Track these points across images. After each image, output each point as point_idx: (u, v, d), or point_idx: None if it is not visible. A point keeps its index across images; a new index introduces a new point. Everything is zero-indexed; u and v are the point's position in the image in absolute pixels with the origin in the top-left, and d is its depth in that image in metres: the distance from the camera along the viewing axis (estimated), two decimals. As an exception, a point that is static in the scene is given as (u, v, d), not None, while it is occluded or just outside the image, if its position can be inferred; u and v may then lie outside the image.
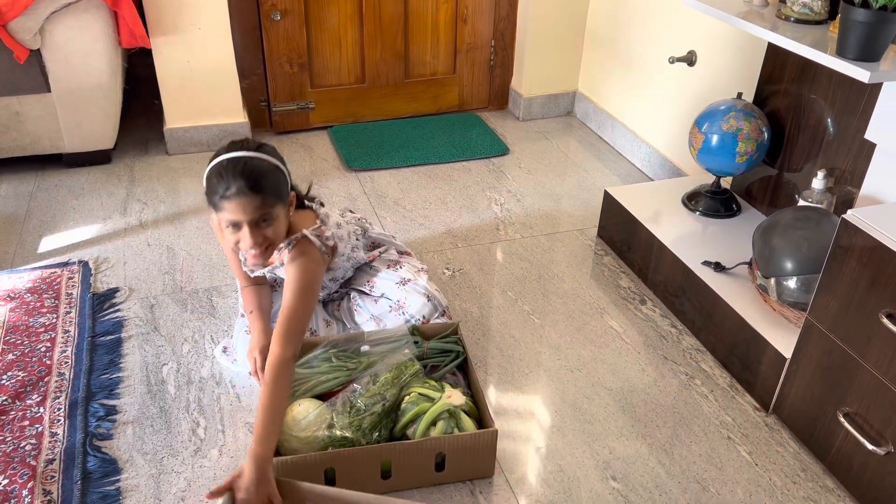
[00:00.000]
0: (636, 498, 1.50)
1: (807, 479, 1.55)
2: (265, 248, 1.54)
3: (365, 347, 1.72)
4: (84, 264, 2.18)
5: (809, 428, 1.60)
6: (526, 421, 1.68)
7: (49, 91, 2.50)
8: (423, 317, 1.79)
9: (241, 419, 1.67)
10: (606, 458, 1.59)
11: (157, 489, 1.50)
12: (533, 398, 1.74)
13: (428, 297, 1.81)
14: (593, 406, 1.73)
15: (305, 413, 1.51)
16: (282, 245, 1.59)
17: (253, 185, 1.47)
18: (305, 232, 1.63)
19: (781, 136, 2.07)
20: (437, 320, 1.81)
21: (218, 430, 1.64)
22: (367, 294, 1.86)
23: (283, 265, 1.63)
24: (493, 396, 1.75)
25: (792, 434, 1.66)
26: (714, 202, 2.19)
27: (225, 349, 1.84)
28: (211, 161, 1.53)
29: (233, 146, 1.54)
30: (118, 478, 1.52)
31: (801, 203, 1.87)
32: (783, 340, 1.68)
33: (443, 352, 1.69)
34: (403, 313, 1.79)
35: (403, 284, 1.83)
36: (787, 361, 1.63)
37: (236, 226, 1.50)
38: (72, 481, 1.50)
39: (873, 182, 1.76)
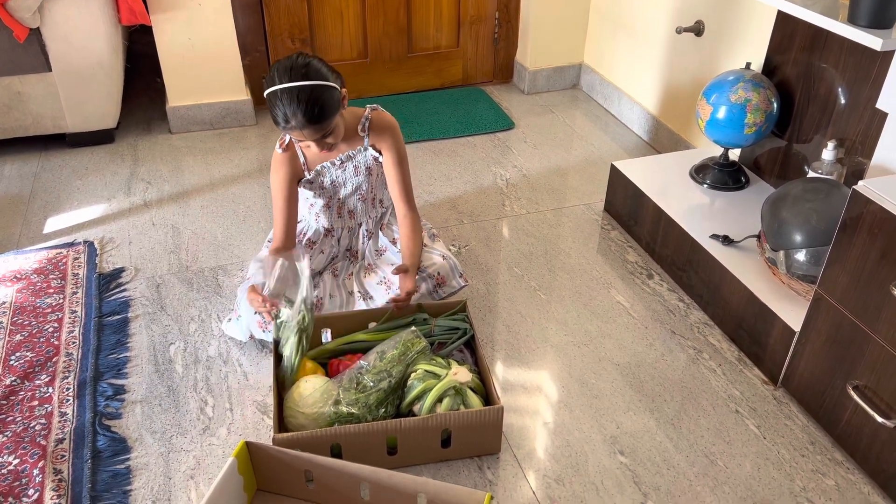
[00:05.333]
0: (644, 472, 1.50)
1: (815, 451, 1.55)
2: (331, 147, 1.69)
3: (372, 324, 1.71)
4: (89, 244, 2.18)
5: (818, 401, 1.59)
6: (533, 396, 1.68)
7: (50, 70, 2.48)
8: (438, 273, 1.79)
9: (249, 397, 1.67)
10: (614, 432, 1.59)
11: (166, 467, 1.51)
12: (540, 374, 1.74)
13: (443, 256, 1.82)
14: (600, 381, 1.72)
15: (312, 389, 1.51)
16: (358, 131, 1.79)
17: (310, 118, 1.58)
18: (370, 107, 1.81)
19: (791, 107, 2.04)
20: (454, 282, 1.81)
21: (226, 408, 1.65)
22: (380, 257, 1.90)
23: (366, 148, 1.81)
24: (500, 372, 1.74)
25: (800, 407, 1.65)
26: (722, 174, 2.17)
27: (230, 320, 1.84)
28: (268, 85, 1.60)
29: (284, 72, 1.58)
30: (128, 456, 1.53)
31: (811, 174, 1.84)
32: (792, 314, 1.66)
33: (450, 329, 1.69)
34: (420, 272, 1.78)
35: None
36: (796, 335, 1.62)
37: (302, 140, 1.66)
38: (82, 460, 1.51)
39: (885, 152, 1.73)
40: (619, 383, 1.71)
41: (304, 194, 1.85)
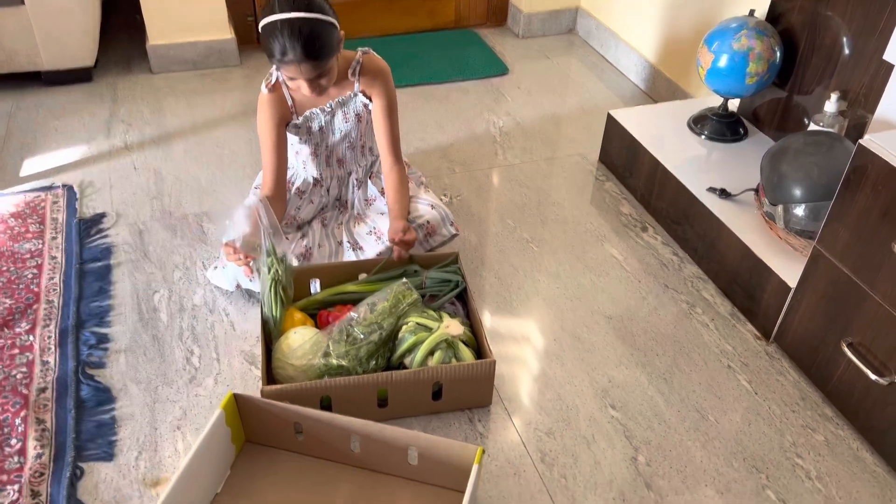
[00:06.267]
0: (634, 426, 1.50)
1: (806, 407, 1.55)
2: (322, 90, 1.61)
3: (362, 276, 1.68)
4: (69, 188, 2.11)
5: (811, 357, 1.58)
6: (524, 350, 1.66)
7: (23, 3, 2.36)
8: (428, 222, 1.75)
9: (236, 347, 1.64)
10: (605, 386, 1.58)
11: (152, 418, 1.48)
12: (531, 327, 1.72)
13: (432, 206, 1.78)
14: (592, 335, 1.70)
15: (301, 341, 1.48)
16: (349, 75, 1.71)
17: (309, 52, 1.50)
18: (362, 50, 1.72)
19: (794, 57, 1.98)
20: (445, 230, 1.77)
21: (213, 358, 1.62)
22: (369, 207, 1.86)
23: (356, 94, 1.74)
24: (492, 325, 1.72)
25: (792, 363, 1.65)
26: (720, 126, 2.12)
27: (216, 268, 1.79)
28: (266, 14, 1.51)
29: (286, 1, 1.49)
30: (112, 406, 1.50)
31: (812, 127, 1.80)
32: (788, 269, 1.64)
33: (442, 281, 1.65)
34: (411, 222, 1.74)
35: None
36: (792, 290, 1.60)
37: (294, 78, 1.57)
38: (65, 410, 1.48)
39: (889, 105, 1.68)
40: (611, 337, 1.70)
41: (290, 140, 1.79)
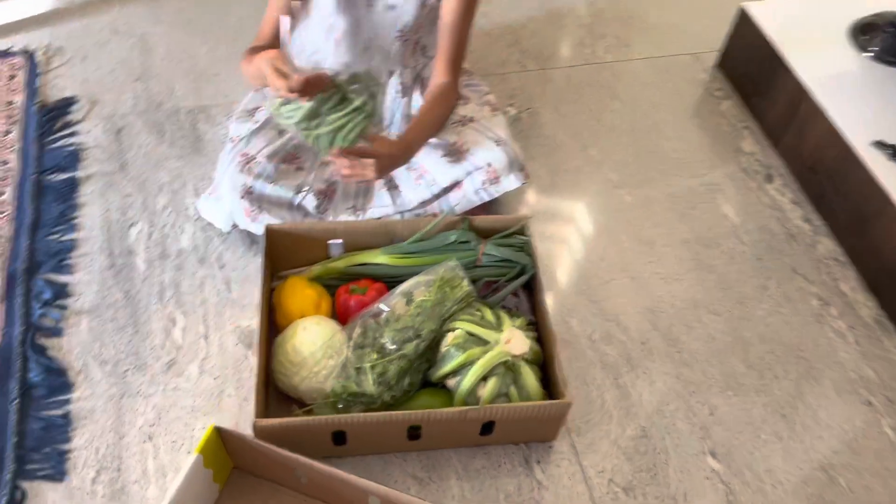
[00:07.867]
0: (741, 487, 1.14)
1: (969, 478, 1.17)
2: None
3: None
4: (30, 57, 1.65)
5: None
6: (602, 356, 1.27)
7: None
8: (489, 165, 1.30)
9: (229, 318, 1.27)
10: (705, 420, 1.21)
11: (117, 419, 1.15)
12: (613, 320, 1.31)
13: (497, 141, 1.31)
14: (692, 339, 1.30)
15: (311, 346, 1.11)
16: None
17: None
18: None
19: None
20: (511, 176, 1.31)
21: (199, 334, 1.25)
22: None
23: None
24: (561, 312, 1.32)
25: (956, 408, 1.25)
26: (897, 42, 1.55)
27: (210, 194, 1.38)
28: None
29: None
30: (68, 396, 1.17)
31: None
32: (980, 286, 1.19)
33: (503, 261, 1.23)
34: (462, 160, 1.30)
35: (463, 125, 1.35)
36: (985, 323, 1.17)
37: None
38: (7, 399, 1.15)
39: None
40: (719, 344, 1.30)
41: (323, 5, 1.29)
